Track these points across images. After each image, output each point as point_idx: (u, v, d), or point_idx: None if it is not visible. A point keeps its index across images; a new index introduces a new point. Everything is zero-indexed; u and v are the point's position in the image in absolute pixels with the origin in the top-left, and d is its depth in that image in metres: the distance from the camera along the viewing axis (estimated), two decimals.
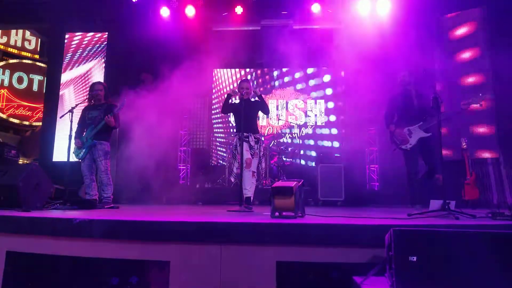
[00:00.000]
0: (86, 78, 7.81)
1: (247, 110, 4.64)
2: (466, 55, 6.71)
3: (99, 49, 7.92)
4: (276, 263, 2.57)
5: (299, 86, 8.76)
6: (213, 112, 8.90)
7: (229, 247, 2.62)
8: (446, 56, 6.89)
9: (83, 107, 5.22)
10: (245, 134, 4.59)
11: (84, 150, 4.91)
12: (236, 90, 4.81)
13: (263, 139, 4.77)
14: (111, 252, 2.74)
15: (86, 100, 5.24)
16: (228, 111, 5.01)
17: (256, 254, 2.60)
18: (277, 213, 3.24)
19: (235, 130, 4.78)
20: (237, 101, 4.93)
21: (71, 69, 7.93)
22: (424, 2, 6.87)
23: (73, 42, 8.00)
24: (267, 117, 4.94)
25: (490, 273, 2.01)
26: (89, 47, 7.96)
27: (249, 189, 4.47)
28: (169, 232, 2.72)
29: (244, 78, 4.66)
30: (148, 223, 2.81)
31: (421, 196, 4.06)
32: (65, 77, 7.92)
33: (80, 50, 7.99)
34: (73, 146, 4.93)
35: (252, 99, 4.85)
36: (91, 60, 7.91)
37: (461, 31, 6.84)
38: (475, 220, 3.22)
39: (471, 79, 6.60)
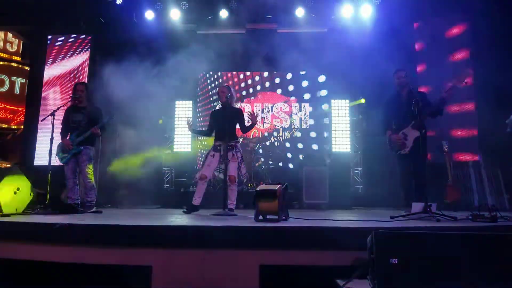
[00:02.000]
0: (76, 76, 7.65)
1: (226, 117, 4.65)
2: (454, 57, 6.87)
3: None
4: (259, 266, 2.56)
5: (284, 89, 8.79)
6: (198, 115, 8.85)
7: (212, 251, 2.61)
8: (434, 58, 7.03)
9: (66, 108, 5.14)
10: (225, 141, 4.58)
11: (68, 155, 4.84)
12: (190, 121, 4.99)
13: (240, 140, 4.78)
14: (92, 257, 2.70)
15: (69, 103, 5.17)
16: (212, 128, 4.94)
17: (240, 258, 2.59)
18: (261, 217, 3.24)
19: (215, 138, 4.80)
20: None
21: (60, 61, 7.74)
22: (406, 6, 6.99)
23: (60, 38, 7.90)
24: (242, 133, 4.95)
25: (469, 274, 2.05)
26: (82, 37, 7.85)
27: (233, 201, 4.53)
28: (151, 237, 2.69)
29: (224, 84, 4.68)
30: (129, 228, 2.78)
31: (413, 199, 4.08)
32: (51, 72, 7.71)
33: (72, 40, 7.82)
34: (54, 149, 4.84)
35: (236, 105, 4.89)
36: (84, 52, 7.76)
37: (450, 33, 7.00)
38: (455, 222, 3.27)
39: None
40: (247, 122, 4.79)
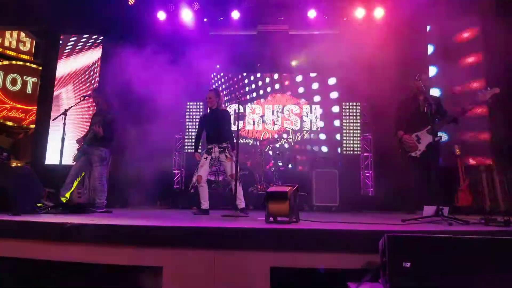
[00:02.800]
0: (89, 75, 7.70)
1: (216, 120, 4.78)
2: (465, 61, 6.78)
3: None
4: (270, 268, 2.55)
5: (295, 91, 8.77)
6: None
7: (223, 252, 2.60)
8: (444, 62, 6.96)
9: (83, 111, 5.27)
10: (219, 144, 4.70)
11: (79, 154, 4.93)
12: None
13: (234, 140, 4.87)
14: (102, 257, 2.70)
15: (80, 103, 5.24)
16: (200, 133, 5.11)
17: (250, 260, 2.57)
18: (271, 218, 3.22)
19: (206, 141, 4.91)
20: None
21: (73, 59, 7.77)
22: (418, 9, 6.93)
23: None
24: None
25: (483, 279, 2.01)
26: (94, 37, 7.88)
27: (242, 200, 4.59)
28: (162, 237, 2.69)
29: (211, 88, 4.78)
30: (141, 228, 2.78)
31: (424, 202, 4.05)
32: (63, 70, 7.77)
33: (84, 40, 7.85)
34: (66, 148, 4.89)
35: (225, 106, 5.00)
36: (96, 51, 7.77)
37: (461, 37, 6.91)
38: (468, 226, 3.22)
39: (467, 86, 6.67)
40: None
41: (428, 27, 7.26)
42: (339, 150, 8.30)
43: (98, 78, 7.60)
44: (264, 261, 2.56)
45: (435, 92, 6.91)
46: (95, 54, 7.78)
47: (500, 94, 5.95)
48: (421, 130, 4.42)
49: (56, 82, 7.75)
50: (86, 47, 7.86)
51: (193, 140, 8.39)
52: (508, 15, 6.00)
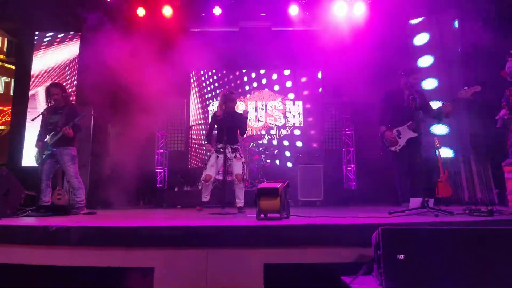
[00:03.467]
0: (67, 71, 7.40)
1: (232, 123, 4.83)
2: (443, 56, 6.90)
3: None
4: (264, 265, 2.54)
5: (277, 88, 8.77)
6: (190, 113, 8.77)
7: (216, 251, 2.57)
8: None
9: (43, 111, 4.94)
10: (232, 145, 4.78)
11: (43, 156, 4.70)
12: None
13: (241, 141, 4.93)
14: (91, 260, 2.63)
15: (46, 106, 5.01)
16: (212, 130, 5.14)
17: (243, 257, 2.56)
18: (262, 215, 3.21)
19: (218, 141, 4.93)
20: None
21: (49, 56, 7.48)
22: (397, 5, 7.03)
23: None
24: (241, 135, 5.12)
25: (476, 268, 2.06)
26: (71, 33, 7.62)
27: (242, 200, 4.67)
28: (153, 238, 2.64)
29: (228, 93, 4.63)
30: (130, 229, 2.72)
31: (408, 195, 4.13)
32: (39, 68, 7.46)
33: (61, 36, 7.55)
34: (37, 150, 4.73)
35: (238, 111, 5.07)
36: (73, 48, 7.48)
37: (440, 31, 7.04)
38: (453, 217, 3.30)
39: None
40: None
41: (410, 22, 7.36)
42: (321, 145, 8.36)
43: (76, 76, 7.37)
44: (257, 258, 2.55)
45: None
46: (73, 50, 7.51)
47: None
48: (402, 125, 4.48)
49: (32, 80, 7.46)
50: (64, 42, 7.59)
51: (177, 138, 8.37)
52: (486, 9, 6.15)
